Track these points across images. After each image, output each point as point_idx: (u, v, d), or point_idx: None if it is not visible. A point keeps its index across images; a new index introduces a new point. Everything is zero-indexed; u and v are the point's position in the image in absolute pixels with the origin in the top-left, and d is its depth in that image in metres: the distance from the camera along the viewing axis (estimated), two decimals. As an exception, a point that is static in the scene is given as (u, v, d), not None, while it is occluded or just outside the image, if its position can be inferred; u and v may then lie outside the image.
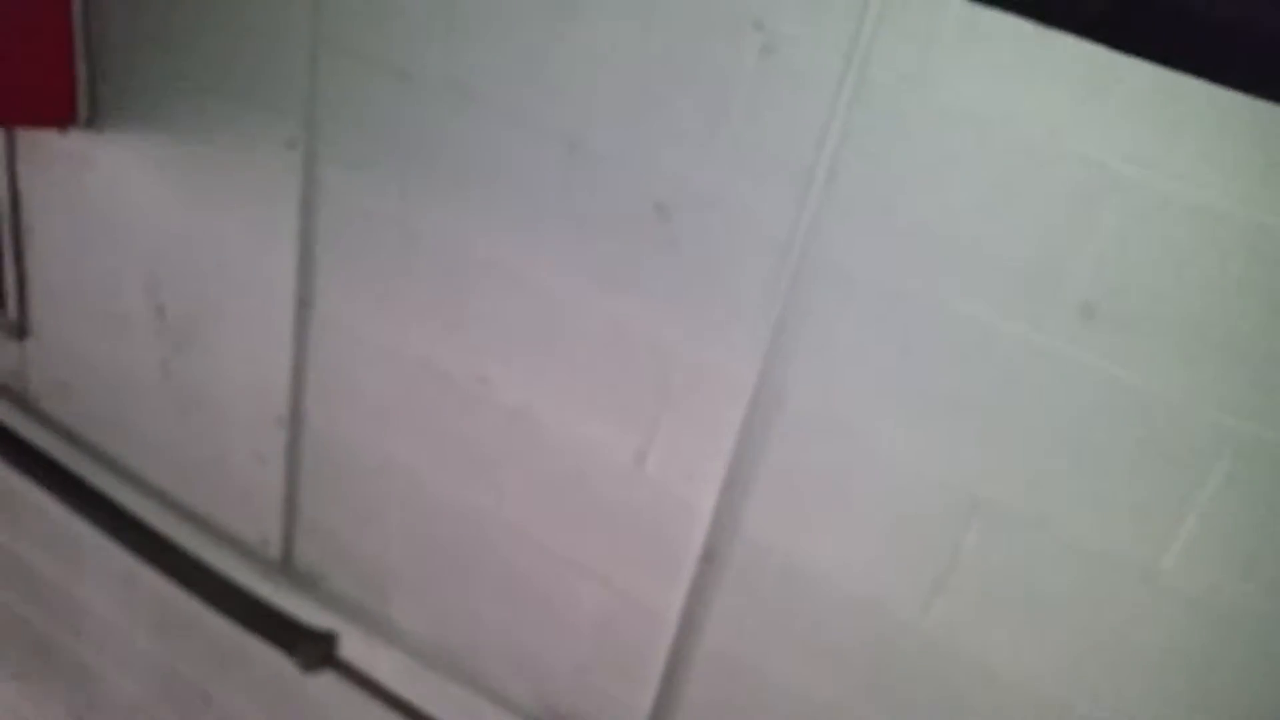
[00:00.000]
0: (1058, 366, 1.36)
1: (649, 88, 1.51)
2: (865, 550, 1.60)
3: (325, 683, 2.16)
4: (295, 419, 2.13)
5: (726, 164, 1.48)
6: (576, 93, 1.56)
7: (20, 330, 2.54)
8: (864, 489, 1.56)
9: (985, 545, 1.50)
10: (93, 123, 2.17)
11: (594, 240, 1.63)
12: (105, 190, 2.22)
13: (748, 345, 1.56)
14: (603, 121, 1.56)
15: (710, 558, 1.73)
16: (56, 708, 3.27)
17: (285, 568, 2.31)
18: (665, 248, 1.57)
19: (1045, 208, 1.31)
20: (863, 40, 1.35)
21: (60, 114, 2.16)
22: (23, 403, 2.67)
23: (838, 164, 1.41)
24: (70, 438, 2.59)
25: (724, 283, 1.55)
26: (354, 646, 2.20)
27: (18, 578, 3.07)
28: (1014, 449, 1.43)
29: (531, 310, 1.74)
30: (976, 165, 1.33)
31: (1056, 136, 1.27)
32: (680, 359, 1.63)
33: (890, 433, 1.51)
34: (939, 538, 1.53)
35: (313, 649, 2.16)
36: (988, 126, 1.31)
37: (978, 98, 1.30)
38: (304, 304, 2.00)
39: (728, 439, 1.63)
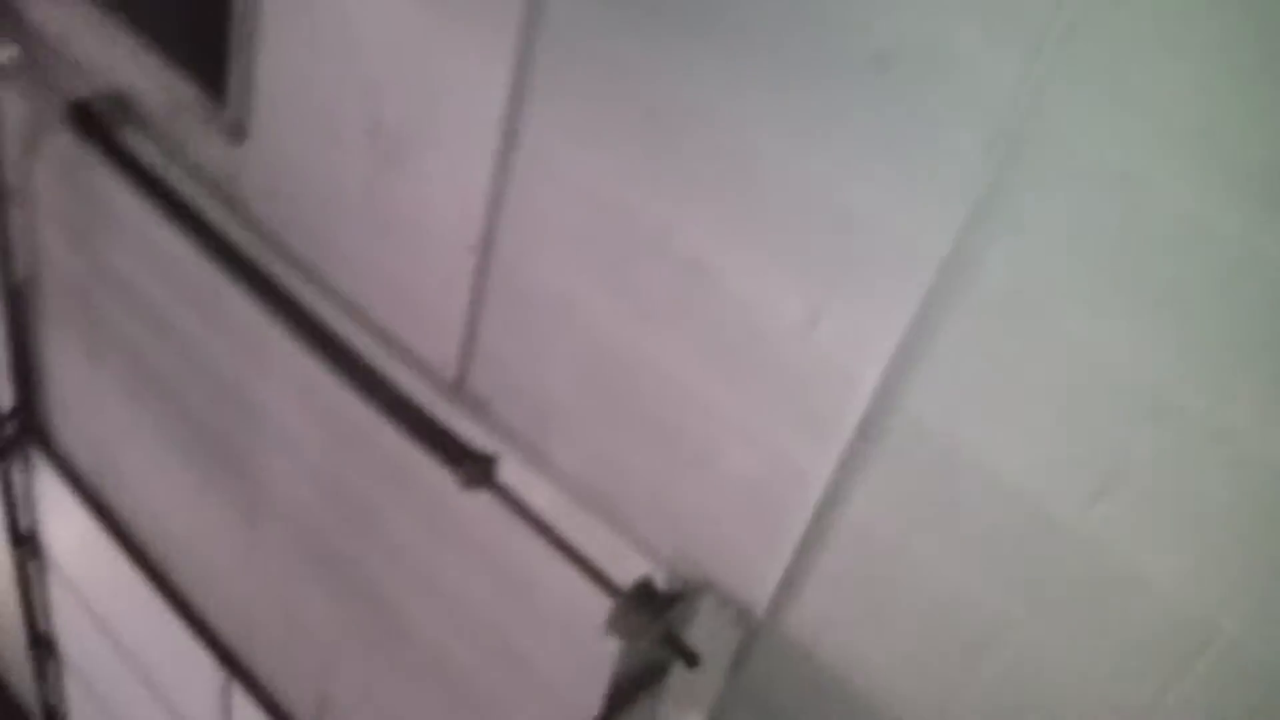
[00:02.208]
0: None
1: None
2: (1033, 443, 1.57)
3: (482, 502, 2.27)
4: (486, 248, 2.21)
5: (958, 11, 1.42)
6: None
7: (240, 131, 2.68)
8: (1043, 380, 1.52)
9: (1159, 452, 1.45)
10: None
11: (804, 90, 1.61)
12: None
13: (946, 214, 1.51)
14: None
15: (867, 430, 1.73)
16: (231, 505, 3.53)
17: (457, 391, 2.42)
18: (877, 102, 1.53)
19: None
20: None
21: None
22: (233, 204, 2.82)
23: (1077, 19, 1.33)
24: (274, 242, 2.73)
25: (933, 145, 1.50)
26: (512, 472, 2.29)
27: (208, 374, 3.30)
28: (1210, 357, 1.37)
29: (727, 159, 1.74)
30: (1216, 41, 1.25)
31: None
32: (871, 222, 1.61)
33: (1082, 325, 1.46)
34: (1112, 439, 1.49)
35: (475, 467, 2.26)
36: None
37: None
38: (510, 134, 2.05)
39: (906, 311, 1.60)
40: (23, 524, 5.12)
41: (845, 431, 1.75)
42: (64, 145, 3.26)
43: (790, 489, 1.87)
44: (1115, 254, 1.41)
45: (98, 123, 3.04)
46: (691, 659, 2.06)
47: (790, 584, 1.96)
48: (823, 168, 1.63)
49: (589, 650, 2.26)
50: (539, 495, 2.27)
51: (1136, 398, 1.45)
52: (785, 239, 1.72)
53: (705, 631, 2.10)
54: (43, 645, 5.69)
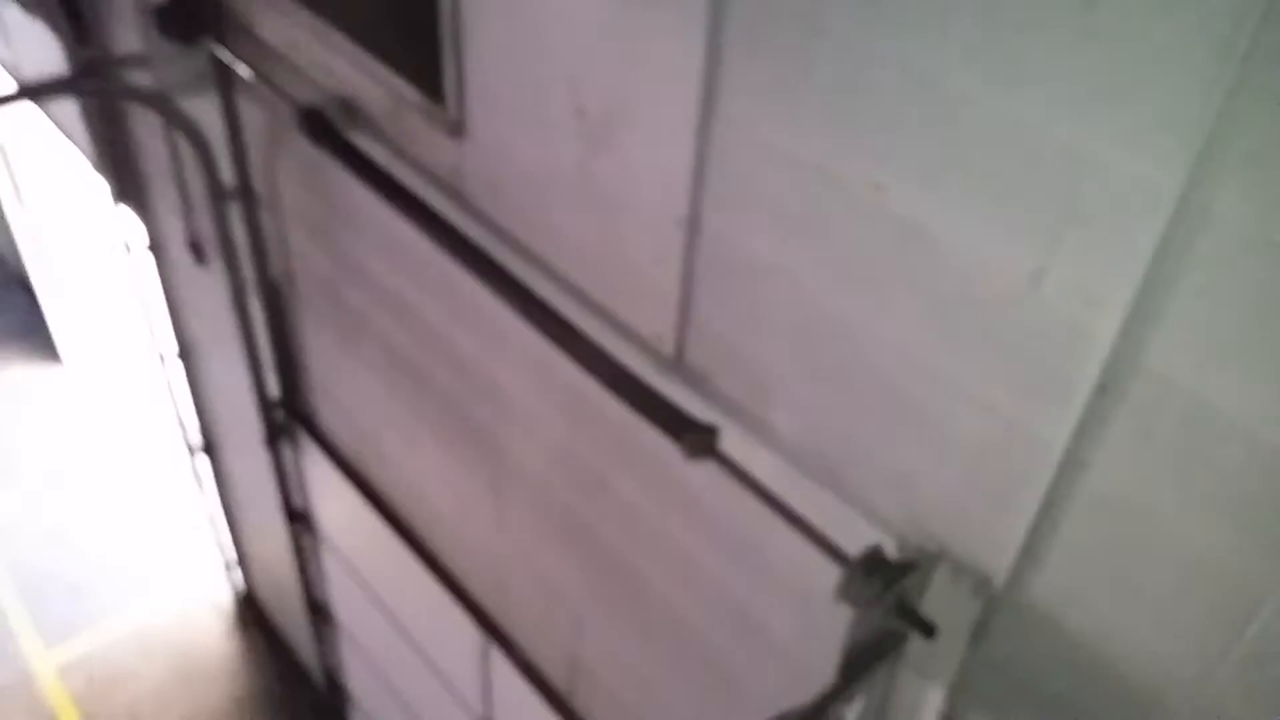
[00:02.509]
0: None
1: None
2: (1287, 395, 1.44)
3: (706, 472, 2.29)
4: (693, 222, 2.21)
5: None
6: None
7: (458, 129, 2.78)
8: (1293, 324, 1.39)
9: None
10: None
11: (1007, 33, 1.51)
12: (535, -10, 2.34)
13: (1173, 154, 1.40)
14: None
15: (1106, 390, 1.62)
16: (474, 474, 3.70)
17: (676, 364, 2.44)
18: (1087, 39, 1.42)
19: None
20: None
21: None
22: (458, 198, 2.94)
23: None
24: (498, 231, 2.83)
25: (1150, 82, 1.39)
26: (734, 443, 2.30)
27: (448, 356, 3.46)
28: None
29: (931, 111, 1.66)
30: None
31: None
32: (1092, 167, 1.50)
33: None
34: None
35: (698, 439, 2.27)
36: None
37: None
38: (708, 106, 2.03)
39: (1139, 260, 1.49)
40: (296, 501, 5.53)
41: (1082, 391, 1.65)
42: (301, 149, 3.47)
43: (1025, 453, 1.79)
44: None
45: (328, 127, 3.22)
46: (927, 629, 2.02)
47: (1031, 552, 1.87)
48: (1036, 112, 1.53)
49: (821, 618, 2.24)
50: (762, 464, 2.26)
51: None
52: (1002, 191, 1.63)
53: (942, 601, 2.05)
54: (320, 612, 6.15)
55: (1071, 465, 1.73)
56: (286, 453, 5.29)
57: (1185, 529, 1.63)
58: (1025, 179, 1.59)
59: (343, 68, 3.16)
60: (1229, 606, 1.62)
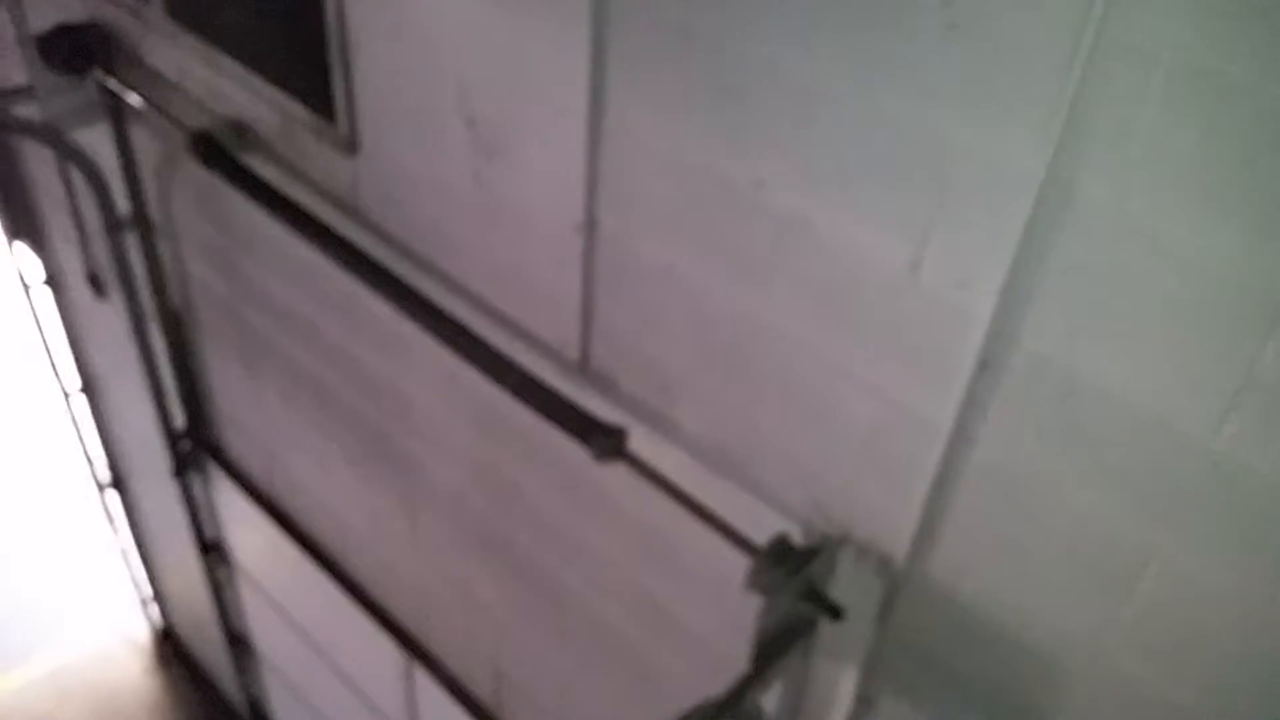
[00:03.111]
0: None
1: None
2: (1155, 363, 1.52)
3: (617, 473, 2.32)
4: (590, 226, 2.24)
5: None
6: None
7: (351, 146, 2.78)
8: (1157, 296, 1.47)
9: (1286, 359, 1.39)
10: (409, -59, 2.30)
11: (872, 30, 1.58)
12: (420, 7, 2.36)
13: (1035, 138, 1.48)
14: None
15: (986, 367, 1.70)
16: (388, 492, 3.69)
17: (582, 368, 2.47)
18: (947, 33, 1.50)
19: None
20: None
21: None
22: (355, 213, 2.94)
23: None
24: (396, 246, 2.84)
25: (1010, 69, 1.47)
26: (642, 442, 2.33)
27: (355, 375, 3.45)
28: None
29: (806, 110, 1.73)
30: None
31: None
32: (960, 156, 1.57)
33: (1190, 233, 1.40)
34: (1235, 350, 1.42)
35: (606, 441, 2.31)
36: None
37: None
38: (596, 112, 2.07)
39: (1009, 242, 1.57)
40: (208, 533, 5.44)
41: (964, 371, 1.73)
42: (195, 175, 3.43)
43: (916, 434, 1.86)
44: (1212, 156, 1.34)
45: (220, 150, 3.19)
46: (835, 611, 2.08)
47: (928, 529, 1.94)
48: (903, 106, 1.61)
49: (734, 608, 2.29)
50: (670, 462, 2.30)
51: (1257, 305, 1.38)
52: (876, 183, 1.70)
53: (847, 584, 2.11)
54: (240, 643, 6.05)
55: (958, 442, 1.81)
56: (196, 484, 5.20)
57: (1070, 497, 1.71)
58: (896, 170, 1.67)
59: (233, 91, 3.14)
60: (1117, 569, 1.70)
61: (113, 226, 4.12)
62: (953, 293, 1.68)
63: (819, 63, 1.67)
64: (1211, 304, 1.43)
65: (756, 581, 2.05)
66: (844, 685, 2.28)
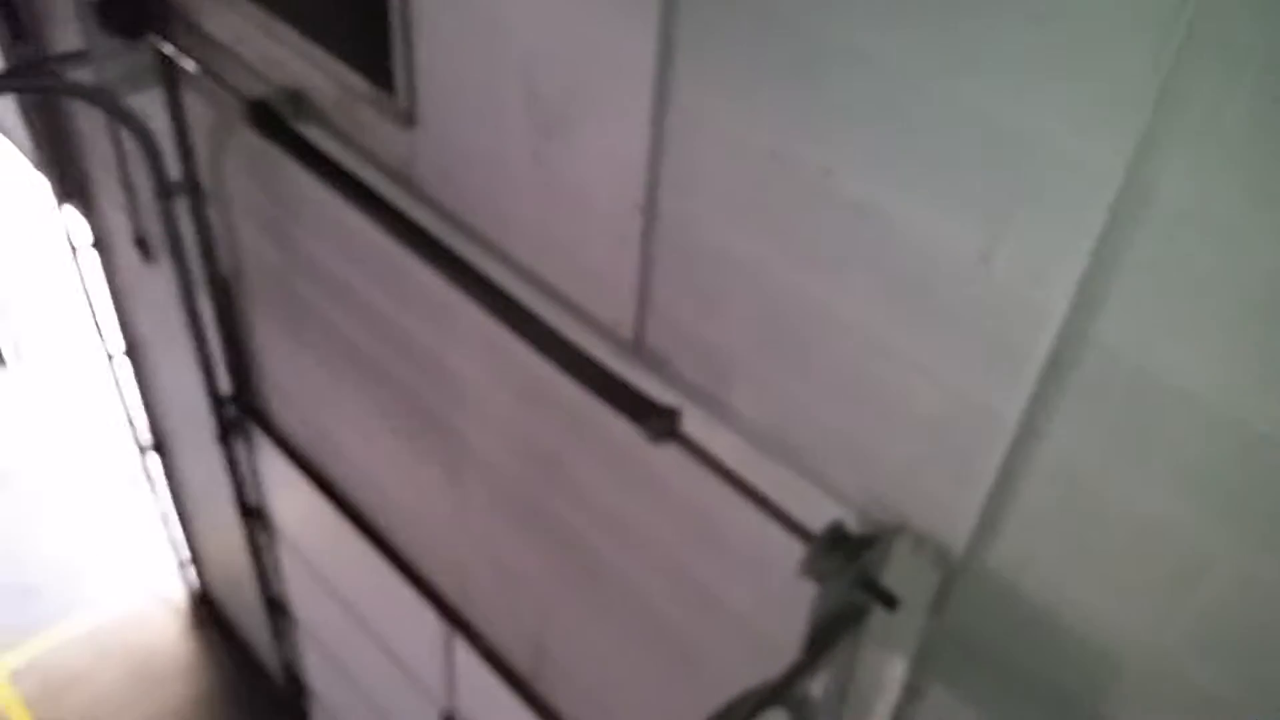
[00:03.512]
0: None
1: None
2: (1230, 363, 1.49)
3: (668, 454, 2.31)
4: (650, 208, 2.23)
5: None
6: None
7: (409, 119, 2.77)
8: (1234, 296, 1.44)
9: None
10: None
11: (958, 18, 1.55)
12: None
13: (1118, 134, 1.44)
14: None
15: (1057, 363, 1.67)
16: (432, 463, 3.70)
17: (636, 348, 2.46)
18: (1034, 22, 1.47)
19: None
20: None
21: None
22: (410, 187, 2.93)
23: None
24: (450, 219, 2.83)
25: (1098, 62, 1.43)
26: (695, 424, 2.33)
27: (403, 346, 3.46)
28: None
29: (885, 96, 1.70)
30: None
31: None
32: (1041, 148, 1.54)
33: (1270, 234, 1.37)
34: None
35: (659, 421, 2.30)
36: None
37: None
38: (662, 93, 2.05)
39: (1086, 238, 1.54)
40: (250, 498, 5.49)
41: (1034, 365, 1.70)
42: (248, 143, 3.44)
43: (981, 427, 1.83)
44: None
45: (276, 119, 3.20)
46: (889, 601, 2.06)
47: (988, 522, 1.92)
48: (984, 96, 1.58)
49: (787, 594, 2.28)
50: (724, 445, 2.29)
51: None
52: (951, 172, 1.67)
53: (903, 573, 2.09)
54: (277, 608, 6.12)
55: (1026, 436, 1.78)
56: (239, 449, 5.25)
57: (1136, 495, 1.69)
58: (974, 161, 1.64)
59: (290, 60, 3.14)
60: (1179, 569, 1.68)
61: (164, 191, 4.13)
62: (1026, 287, 1.66)
63: (901, 49, 1.64)
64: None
65: (812, 568, 2.04)
66: (893, 674, 2.27)
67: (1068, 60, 1.47)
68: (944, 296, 1.78)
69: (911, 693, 2.27)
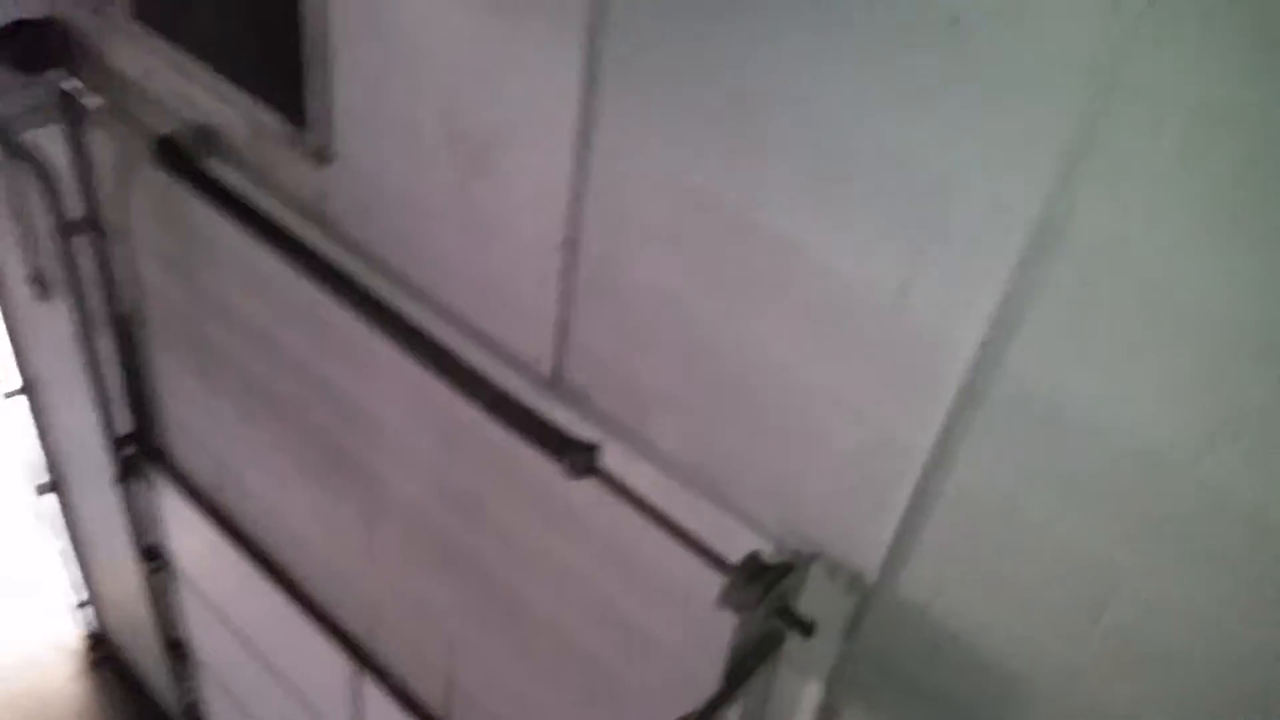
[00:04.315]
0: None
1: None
2: (1139, 396, 1.56)
3: (588, 489, 2.34)
4: (572, 244, 2.26)
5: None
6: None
7: (324, 155, 2.77)
8: (1148, 330, 1.51)
9: (1275, 391, 1.44)
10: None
11: (880, 60, 1.62)
12: (406, 9, 2.35)
13: (1036, 170, 1.52)
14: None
15: (969, 394, 1.74)
16: (348, 508, 3.66)
17: (555, 384, 2.49)
18: (956, 66, 1.54)
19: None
20: None
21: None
22: (324, 224, 2.92)
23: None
24: (367, 257, 2.83)
25: (1017, 103, 1.50)
26: (615, 459, 2.35)
27: (317, 385, 3.42)
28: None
29: (807, 134, 1.76)
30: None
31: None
32: (958, 186, 1.61)
33: (1183, 270, 1.45)
34: (1223, 383, 1.48)
35: (578, 457, 2.32)
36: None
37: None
38: (585, 131, 2.09)
39: (1000, 273, 1.61)
40: (150, 539, 5.34)
41: (947, 398, 1.77)
42: (155, 180, 3.39)
43: (894, 457, 1.90)
44: (1215, 190, 1.38)
45: (184, 155, 3.16)
46: (806, 628, 2.11)
47: (901, 548, 1.99)
48: (906, 134, 1.64)
49: (706, 626, 2.32)
50: (644, 479, 2.32)
51: (1246, 338, 1.43)
52: (870, 209, 1.74)
53: (818, 600, 2.15)
54: (178, 650, 5.94)
55: (937, 465, 1.85)
56: (139, 489, 5.11)
57: (1046, 521, 1.76)
58: (892, 198, 1.70)
59: (201, 96, 3.11)
60: (1090, 592, 1.76)
61: (63, 229, 4.03)
62: (940, 319, 1.73)
63: (824, 88, 1.70)
64: (1198, 336, 1.47)
65: (730, 599, 2.08)
66: (809, 697, 2.33)
67: (986, 102, 1.54)
68: (862, 330, 1.85)
69: (827, 713, 2.32)
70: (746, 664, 2.23)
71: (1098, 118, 1.44)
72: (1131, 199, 1.47)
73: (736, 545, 2.15)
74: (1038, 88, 1.48)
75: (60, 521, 6.64)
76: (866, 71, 1.65)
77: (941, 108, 1.59)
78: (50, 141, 3.88)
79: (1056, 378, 1.64)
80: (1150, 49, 1.37)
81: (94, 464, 5.22)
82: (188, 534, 4.97)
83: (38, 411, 6.04)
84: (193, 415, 4.43)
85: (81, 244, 4.12)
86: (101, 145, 3.82)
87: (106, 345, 4.47)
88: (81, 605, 7.23)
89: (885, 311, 1.79)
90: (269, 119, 2.87)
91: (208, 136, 3.16)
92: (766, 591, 2.08)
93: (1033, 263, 1.58)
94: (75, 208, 4.04)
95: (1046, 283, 1.58)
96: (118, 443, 4.85)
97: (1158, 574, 1.66)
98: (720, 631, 2.20)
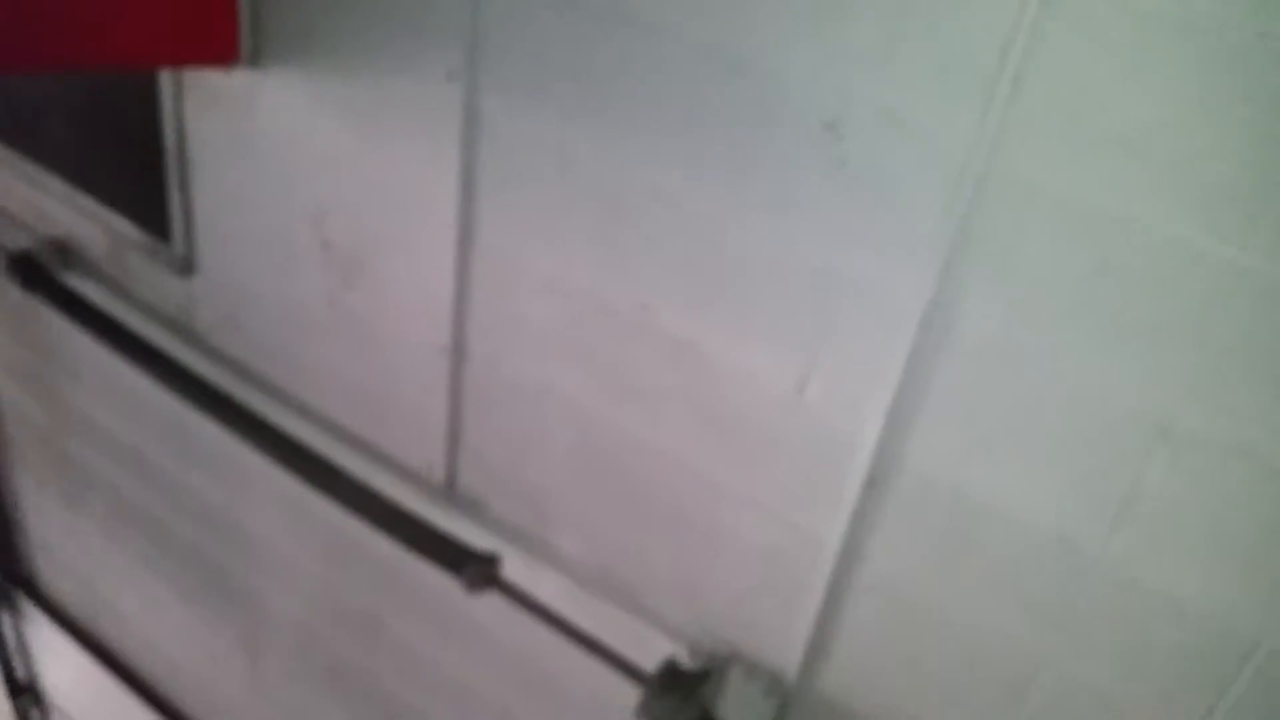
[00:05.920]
0: (1269, 289, 1.28)
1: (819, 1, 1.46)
2: (1040, 482, 1.55)
3: (489, 602, 2.22)
4: (458, 349, 2.18)
5: (903, 78, 1.42)
6: (744, 9, 1.52)
7: (188, 266, 2.64)
8: (1041, 418, 1.51)
9: (1173, 475, 1.44)
10: (256, 61, 2.22)
11: (758, 162, 1.60)
12: (269, 125, 2.27)
13: (919, 268, 1.51)
14: (771, 40, 1.52)
15: (873, 486, 1.71)
16: (227, 631, 3.46)
17: (448, 493, 2.38)
18: (834, 168, 1.53)
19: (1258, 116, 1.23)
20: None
21: (223, 53, 2.21)
22: (190, 336, 2.78)
23: (1024, 72, 1.33)
24: (238, 370, 2.69)
25: (896, 203, 1.50)
26: (517, 569, 2.25)
27: (191, 505, 3.24)
28: (1211, 375, 1.36)
29: (692, 236, 1.72)
30: (1177, 71, 1.25)
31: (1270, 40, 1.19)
32: (845, 284, 1.60)
33: (1074, 359, 1.45)
34: (1123, 467, 1.47)
35: (477, 569, 2.21)
36: (1190, 30, 1.23)
37: None
38: (466, 235, 2.02)
39: (893, 366, 1.59)
40: (19, 673, 5.01)
41: (851, 491, 1.73)
42: (9, 297, 3.20)
43: (804, 553, 1.85)
44: (1097, 288, 1.40)
45: (41, 271, 2.99)
46: (729, 736, 2.03)
47: (819, 645, 1.93)
48: (790, 234, 1.62)
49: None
50: (548, 587, 2.23)
51: (1142, 424, 1.44)
52: (762, 308, 1.71)
53: (738, 703, 2.07)
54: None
55: (848, 559, 1.81)
56: (4, 620, 4.79)
57: (961, 609, 1.73)
58: (783, 295, 1.68)
59: (58, 210, 2.95)
60: (1009, 677, 1.72)
61: (-92, 351, 3.79)
62: (839, 414, 1.70)
63: (704, 191, 1.67)
64: (1095, 424, 1.48)
65: (648, 711, 1.99)
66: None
67: (868, 200, 1.53)
68: (762, 428, 1.80)
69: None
70: (668, 775, 2.12)
71: (971, 216, 1.45)
72: (1016, 290, 1.46)
73: (649, 650, 2.07)
74: (917, 180, 1.48)
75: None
76: (737, 174, 1.63)
77: (824, 203, 1.57)
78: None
79: (958, 467, 1.62)
80: (1022, 147, 1.38)
81: (-47, 598, 4.88)
82: (61, 664, 4.67)
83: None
84: (60, 539, 4.17)
85: (-71, 367, 3.87)
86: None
87: (-39, 472, 4.20)
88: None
89: (784, 408, 1.75)
90: (129, 231, 2.73)
91: (65, 251, 3.00)
92: (685, 700, 2.00)
93: (922, 358, 1.57)
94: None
95: (941, 374, 1.57)
96: (-23, 573, 4.55)
97: (1076, 657, 1.64)
98: (638, 742, 2.10)
